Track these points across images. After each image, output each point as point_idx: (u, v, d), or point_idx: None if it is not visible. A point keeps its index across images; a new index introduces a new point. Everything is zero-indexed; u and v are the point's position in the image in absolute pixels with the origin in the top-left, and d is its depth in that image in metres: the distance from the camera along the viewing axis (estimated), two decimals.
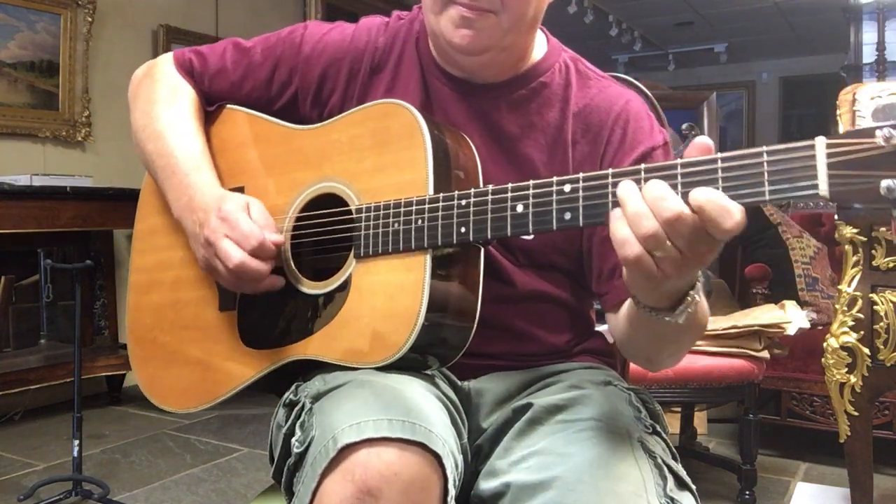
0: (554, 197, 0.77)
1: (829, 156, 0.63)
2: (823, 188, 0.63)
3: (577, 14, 5.75)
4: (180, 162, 1.03)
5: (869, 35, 5.09)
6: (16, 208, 3.03)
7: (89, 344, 3.57)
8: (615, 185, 0.72)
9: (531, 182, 0.79)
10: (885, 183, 0.61)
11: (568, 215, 0.76)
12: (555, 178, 0.77)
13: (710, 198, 0.65)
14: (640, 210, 0.68)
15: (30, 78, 3.52)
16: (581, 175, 0.75)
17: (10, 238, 3.09)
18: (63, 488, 2.35)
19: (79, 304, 2.43)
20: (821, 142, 0.63)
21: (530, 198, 0.79)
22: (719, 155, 0.67)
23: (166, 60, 1.13)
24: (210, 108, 1.12)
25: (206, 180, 1.02)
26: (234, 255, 0.92)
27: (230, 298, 1.03)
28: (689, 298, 0.75)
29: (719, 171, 0.67)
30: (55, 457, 2.81)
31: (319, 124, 1.02)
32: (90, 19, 3.66)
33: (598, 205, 0.74)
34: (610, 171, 0.73)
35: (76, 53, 3.64)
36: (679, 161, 0.69)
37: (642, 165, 0.71)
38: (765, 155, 0.65)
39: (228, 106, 1.12)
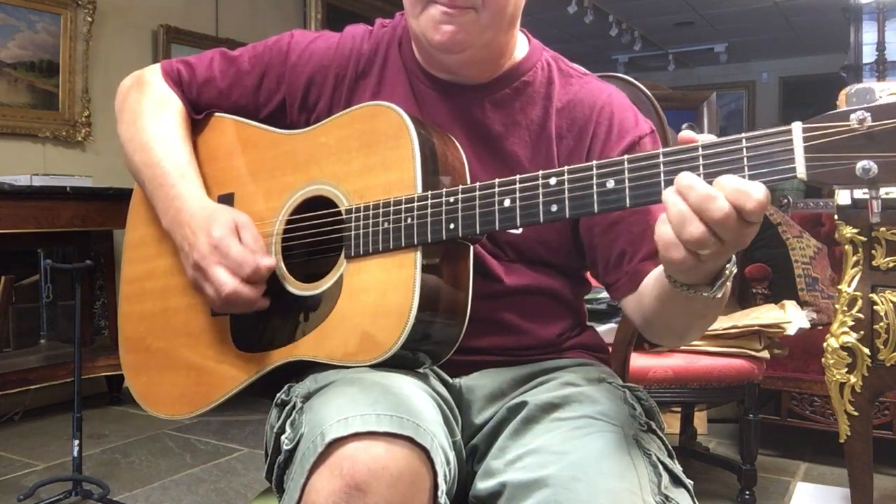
0: (540, 190, 0.79)
1: (806, 139, 0.65)
2: (801, 171, 0.65)
3: (577, 14, 5.75)
4: (167, 173, 1.05)
5: (869, 35, 5.10)
6: (16, 208, 3.03)
7: (89, 344, 3.57)
8: (599, 176, 0.74)
9: (517, 177, 0.81)
10: (860, 164, 0.63)
11: (554, 207, 0.78)
12: (540, 172, 0.79)
13: (725, 184, 0.67)
14: (684, 213, 0.68)
15: (30, 78, 3.52)
16: (566, 168, 0.77)
17: (10, 238, 3.09)
18: (63, 488, 2.35)
19: (79, 304, 2.43)
20: (797, 127, 0.66)
21: (517, 192, 0.80)
22: (700, 143, 0.69)
23: (154, 71, 1.15)
24: (198, 117, 1.13)
25: (191, 192, 1.03)
26: (228, 283, 0.93)
27: None
28: (726, 272, 0.77)
29: (700, 158, 0.69)
30: (55, 457, 2.81)
31: (307, 128, 1.03)
32: (90, 19, 3.66)
33: (583, 196, 0.76)
34: (594, 163, 0.75)
35: (76, 53, 3.64)
36: (661, 150, 0.71)
37: (625, 157, 0.73)
38: (744, 141, 0.68)
39: (216, 114, 1.13)
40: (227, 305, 0.96)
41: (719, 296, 0.78)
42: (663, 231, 0.71)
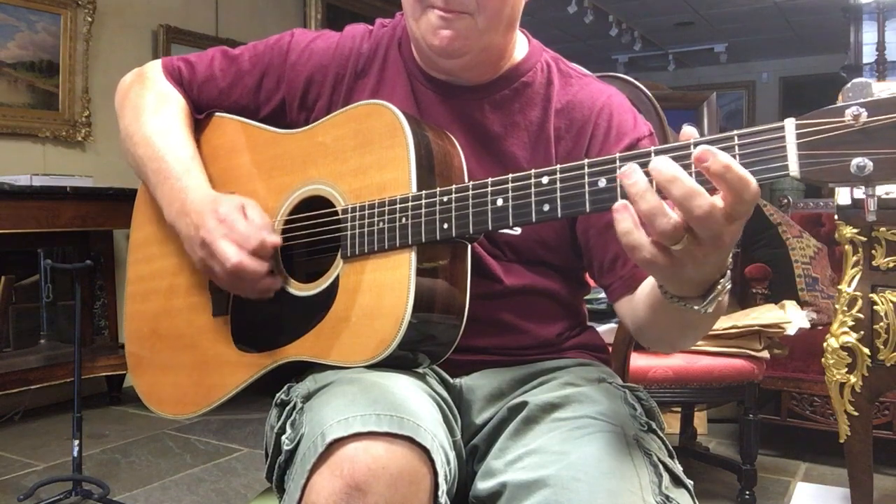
0: (532, 189, 0.78)
1: (799, 136, 0.63)
2: (794, 169, 0.64)
3: (577, 14, 5.75)
4: (171, 166, 1.04)
5: (869, 35, 5.10)
6: (16, 208, 3.03)
7: (89, 344, 3.57)
8: (591, 174, 0.73)
9: (510, 176, 0.80)
10: (855, 161, 0.61)
11: (546, 207, 0.77)
12: (533, 171, 0.78)
13: (729, 164, 0.63)
14: (653, 206, 0.66)
15: (30, 78, 3.52)
16: (558, 167, 0.76)
17: (10, 238, 3.09)
18: (63, 488, 2.35)
19: (79, 304, 2.43)
20: (790, 123, 0.64)
21: (509, 191, 0.80)
22: (692, 140, 0.67)
23: (155, 68, 1.15)
24: (199, 117, 1.13)
25: (197, 183, 1.03)
26: (232, 255, 0.93)
27: (223, 304, 1.04)
28: (719, 287, 0.74)
29: (692, 156, 0.66)
30: (55, 457, 2.81)
31: (305, 128, 1.03)
32: (90, 19, 3.66)
33: (575, 195, 0.74)
34: (586, 161, 0.74)
35: (76, 53, 3.64)
36: (653, 149, 0.69)
37: (617, 154, 0.71)
38: (736, 139, 0.66)
39: (217, 114, 1.13)
40: (234, 280, 0.95)
41: (711, 310, 0.75)
42: (634, 237, 0.68)
